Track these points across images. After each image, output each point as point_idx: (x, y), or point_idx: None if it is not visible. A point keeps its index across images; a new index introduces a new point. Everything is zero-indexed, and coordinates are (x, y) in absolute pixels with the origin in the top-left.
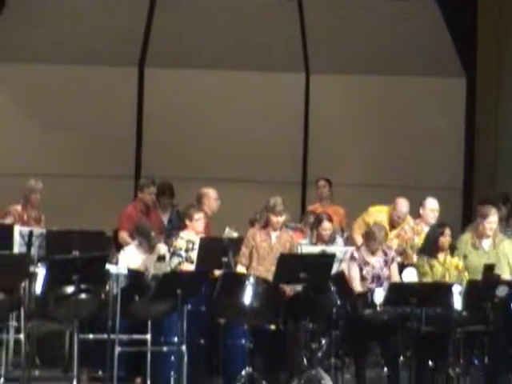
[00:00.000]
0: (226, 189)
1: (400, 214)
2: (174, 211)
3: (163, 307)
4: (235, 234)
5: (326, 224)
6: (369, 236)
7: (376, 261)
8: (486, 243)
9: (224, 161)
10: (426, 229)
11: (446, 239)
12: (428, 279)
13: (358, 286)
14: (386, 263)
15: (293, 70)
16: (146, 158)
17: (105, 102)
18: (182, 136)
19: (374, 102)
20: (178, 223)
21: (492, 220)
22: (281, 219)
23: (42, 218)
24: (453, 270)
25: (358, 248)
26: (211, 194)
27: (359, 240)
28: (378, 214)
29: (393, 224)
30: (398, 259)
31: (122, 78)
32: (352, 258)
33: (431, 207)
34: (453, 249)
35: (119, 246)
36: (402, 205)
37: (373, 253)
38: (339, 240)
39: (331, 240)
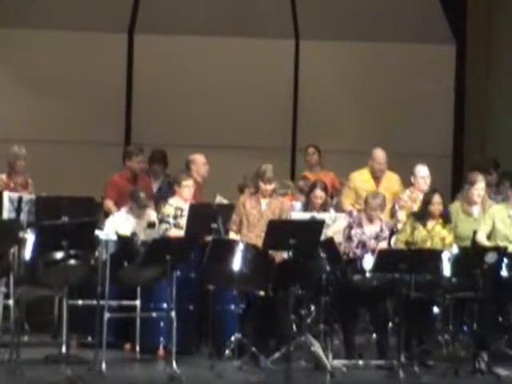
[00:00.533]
0: (217, 155)
1: (379, 160)
2: (166, 181)
3: (152, 273)
4: (225, 202)
5: (319, 192)
6: (364, 203)
7: (369, 230)
8: (475, 210)
9: (214, 127)
10: (421, 196)
11: (434, 207)
12: (402, 238)
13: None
14: (377, 237)
15: (283, 36)
16: (136, 125)
17: (94, 68)
18: (171, 103)
19: (364, 69)
20: (167, 194)
21: (479, 187)
22: (269, 187)
23: (30, 182)
24: (437, 239)
25: (349, 213)
26: (199, 159)
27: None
28: (359, 176)
29: (376, 176)
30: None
31: (112, 44)
32: (347, 225)
33: (421, 175)
34: (446, 220)
35: (106, 214)
36: (378, 153)
37: (370, 221)
38: (332, 211)
39: (324, 210)
